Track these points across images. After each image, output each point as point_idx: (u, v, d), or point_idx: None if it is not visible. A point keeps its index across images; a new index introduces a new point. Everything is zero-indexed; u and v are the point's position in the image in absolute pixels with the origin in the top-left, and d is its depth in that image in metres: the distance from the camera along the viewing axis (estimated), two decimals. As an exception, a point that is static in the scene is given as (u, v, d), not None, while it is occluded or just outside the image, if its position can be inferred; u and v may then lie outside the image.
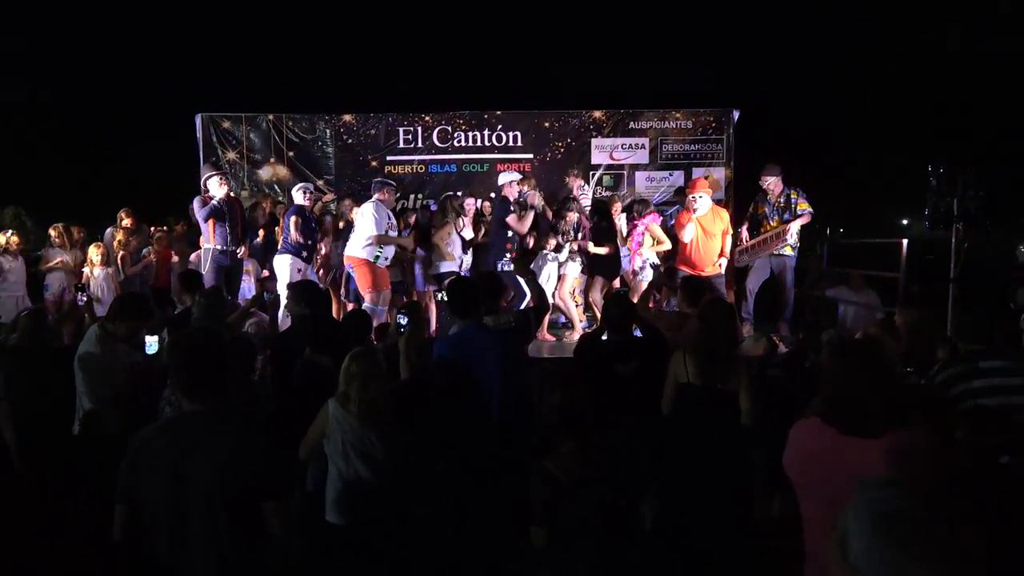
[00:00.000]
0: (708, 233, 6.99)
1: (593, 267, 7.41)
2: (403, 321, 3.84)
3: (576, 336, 6.93)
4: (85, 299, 4.76)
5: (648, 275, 7.31)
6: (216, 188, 6.97)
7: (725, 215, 7.30)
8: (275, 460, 2.19)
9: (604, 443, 2.62)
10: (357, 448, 2.97)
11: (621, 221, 7.83)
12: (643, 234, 7.35)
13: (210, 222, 6.89)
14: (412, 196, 9.50)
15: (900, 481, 1.13)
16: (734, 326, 3.72)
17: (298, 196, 7.31)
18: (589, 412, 2.63)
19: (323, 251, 7.85)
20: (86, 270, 7.47)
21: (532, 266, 7.29)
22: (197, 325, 4.38)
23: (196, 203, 7.03)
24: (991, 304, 3.22)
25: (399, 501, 3.08)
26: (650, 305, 6.04)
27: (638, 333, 4.06)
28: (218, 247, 6.93)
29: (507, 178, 7.62)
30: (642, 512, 2.67)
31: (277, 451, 2.27)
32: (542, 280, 7.07)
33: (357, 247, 6.81)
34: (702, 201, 6.96)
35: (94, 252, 7.45)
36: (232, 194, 7.26)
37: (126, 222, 8.04)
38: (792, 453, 2.17)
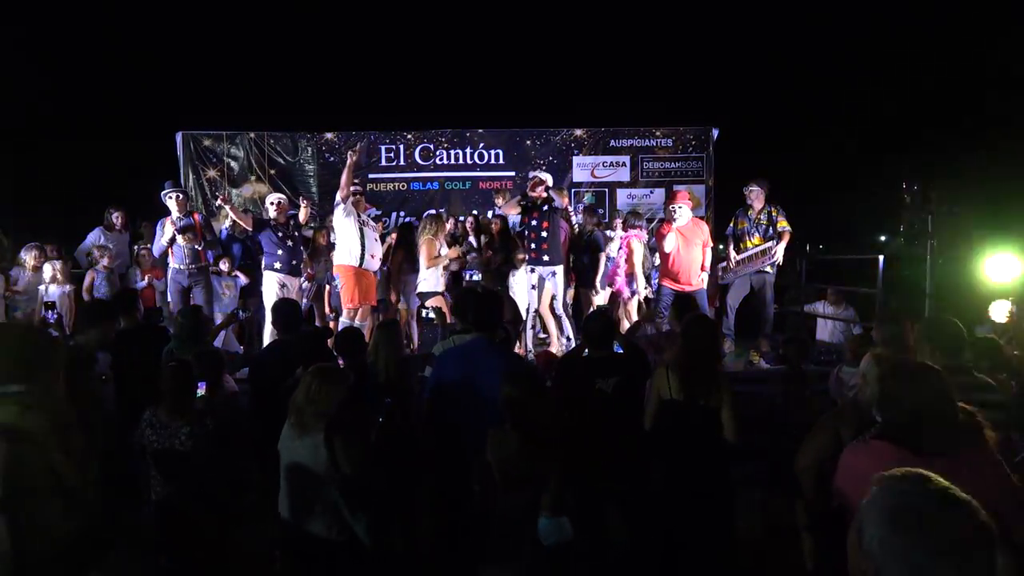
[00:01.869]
0: (689, 243, 6.98)
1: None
2: None
3: (553, 349, 6.89)
4: (56, 317, 4.64)
5: (636, 288, 7.27)
6: (173, 207, 6.89)
7: (705, 228, 7.29)
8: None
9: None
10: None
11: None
12: (628, 247, 7.36)
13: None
14: (394, 213, 9.47)
15: (917, 476, 1.18)
16: (716, 343, 3.71)
17: (270, 210, 7.08)
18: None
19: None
20: (41, 289, 7.27)
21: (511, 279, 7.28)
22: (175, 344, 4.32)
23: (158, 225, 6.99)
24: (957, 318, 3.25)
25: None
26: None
27: (619, 349, 4.05)
28: (175, 265, 6.84)
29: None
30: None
31: None
32: (519, 293, 7.01)
33: (342, 254, 6.70)
34: (682, 211, 6.99)
35: (48, 270, 7.24)
36: (194, 212, 7.16)
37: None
38: (849, 477, 2.05)
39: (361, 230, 6.65)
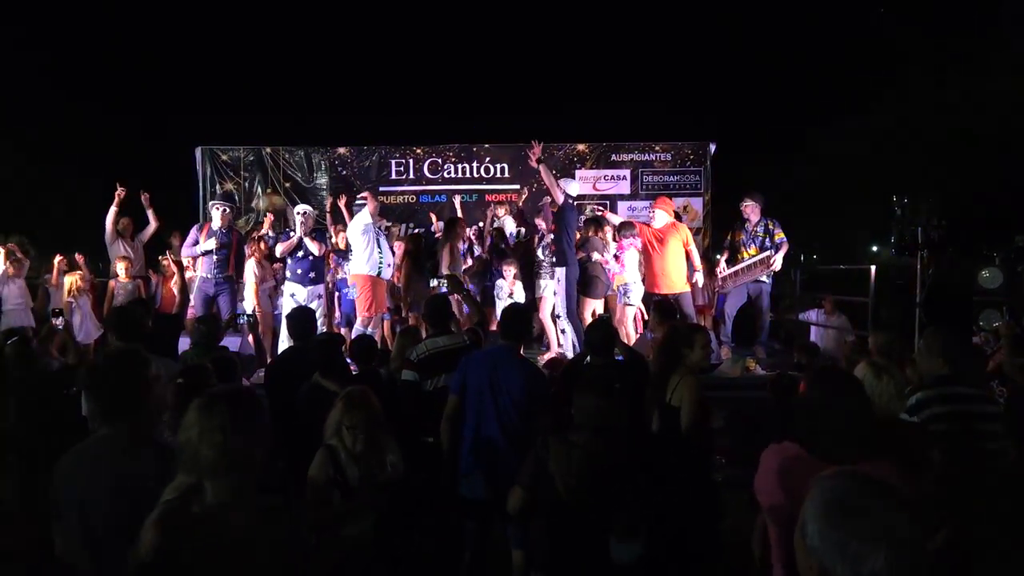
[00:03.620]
0: (664, 246, 6.98)
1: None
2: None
3: (547, 357, 6.88)
4: (62, 324, 4.70)
5: (631, 298, 7.27)
6: (217, 218, 6.95)
7: (684, 229, 7.26)
8: None
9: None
10: None
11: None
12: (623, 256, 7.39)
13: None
14: (403, 225, 9.55)
15: (848, 471, 1.24)
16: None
17: (297, 220, 7.01)
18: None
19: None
20: (64, 296, 7.38)
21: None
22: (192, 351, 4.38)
23: (192, 232, 7.05)
24: (954, 328, 3.27)
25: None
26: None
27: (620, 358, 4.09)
28: (203, 274, 6.90)
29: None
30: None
31: None
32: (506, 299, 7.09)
33: (359, 264, 6.72)
34: (658, 213, 7.05)
35: (69, 280, 7.38)
36: (229, 225, 7.19)
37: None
38: (762, 477, 2.16)
39: (378, 240, 6.72)
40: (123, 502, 1.87)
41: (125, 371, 2.09)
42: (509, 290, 7.25)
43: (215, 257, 6.84)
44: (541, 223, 7.53)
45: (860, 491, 1.17)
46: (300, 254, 6.87)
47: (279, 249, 6.98)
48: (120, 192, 7.82)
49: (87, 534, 1.92)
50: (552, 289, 6.96)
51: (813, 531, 1.17)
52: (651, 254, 7.06)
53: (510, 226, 8.06)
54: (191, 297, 6.74)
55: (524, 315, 3.89)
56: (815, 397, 2.11)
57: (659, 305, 5.04)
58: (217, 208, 7.05)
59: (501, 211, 8.28)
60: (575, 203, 6.90)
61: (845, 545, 1.11)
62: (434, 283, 6.75)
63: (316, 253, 6.94)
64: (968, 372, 3.19)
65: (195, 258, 7.01)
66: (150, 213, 8.15)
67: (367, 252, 6.64)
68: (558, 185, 6.46)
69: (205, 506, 1.59)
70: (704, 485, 3.33)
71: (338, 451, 2.86)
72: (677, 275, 7.02)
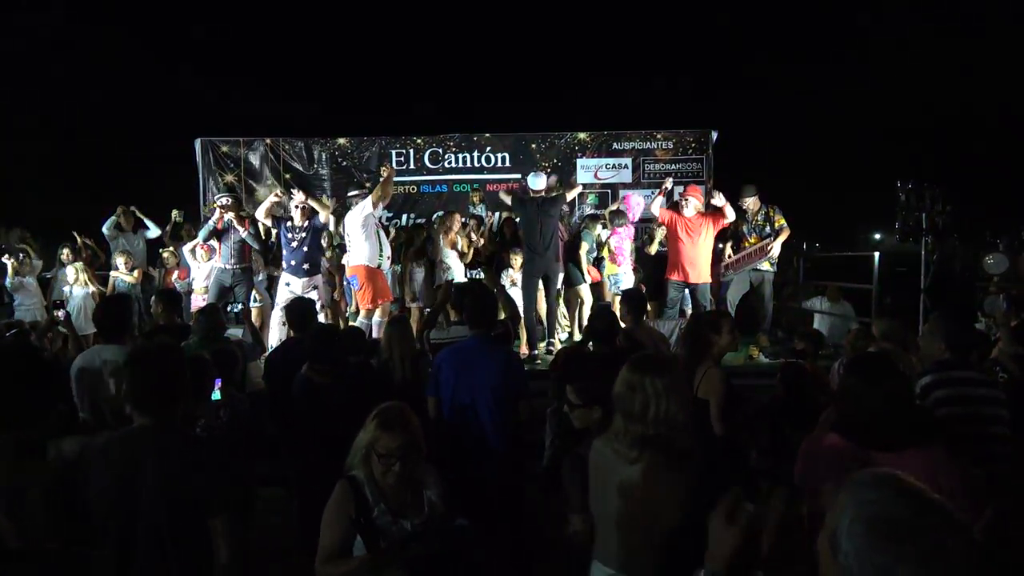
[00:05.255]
0: (694, 237, 6.93)
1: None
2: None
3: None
4: (64, 315, 4.64)
5: (622, 287, 7.17)
6: (219, 210, 6.89)
7: (710, 224, 7.05)
8: (224, 476, 1.99)
9: None
10: None
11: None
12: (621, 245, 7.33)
13: (216, 241, 6.88)
14: (405, 216, 9.49)
15: (890, 481, 1.08)
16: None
17: (294, 212, 6.80)
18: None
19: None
20: (66, 289, 7.42)
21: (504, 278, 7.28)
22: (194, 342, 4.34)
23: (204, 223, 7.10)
24: (959, 313, 3.22)
25: None
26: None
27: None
28: (220, 264, 6.87)
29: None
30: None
31: (228, 467, 2.05)
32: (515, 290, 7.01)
33: (358, 255, 6.60)
34: (692, 202, 6.95)
35: (71, 271, 7.41)
36: (242, 214, 7.03)
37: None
38: (805, 465, 2.09)
39: (378, 232, 6.66)
40: (172, 491, 1.88)
41: (169, 362, 2.07)
42: (511, 279, 7.18)
43: (230, 247, 6.81)
44: None
45: (909, 506, 1.01)
46: (295, 244, 6.67)
47: (201, 234, 7.10)
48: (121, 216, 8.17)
49: (125, 528, 1.90)
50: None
51: (849, 550, 1.02)
52: (680, 243, 7.01)
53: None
54: (207, 287, 6.79)
55: (489, 300, 3.78)
56: (852, 384, 2.03)
57: (628, 295, 4.85)
58: (221, 200, 6.99)
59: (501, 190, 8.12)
60: (538, 196, 6.80)
61: (890, 570, 0.97)
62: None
63: (243, 234, 6.85)
64: (970, 357, 3.16)
65: (210, 248, 7.06)
66: (148, 222, 8.36)
67: (366, 243, 6.58)
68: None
69: None
70: (745, 479, 3.23)
71: (362, 485, 2.20)
72: (705, 266, 7.02)
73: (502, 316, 4.16)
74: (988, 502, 2.04)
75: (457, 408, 3.34)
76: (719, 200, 6.91)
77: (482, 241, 7.76)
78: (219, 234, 6.85)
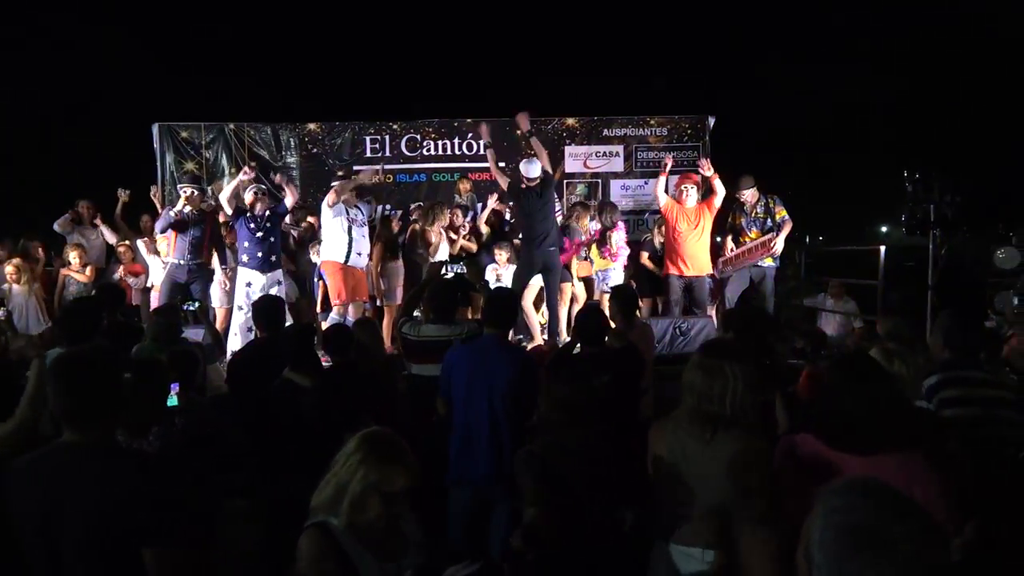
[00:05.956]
0: (695, 225, 6.99)
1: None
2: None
3: (530, 347, 6.84)
4: (6, 314, 4.58)
5: (610, 285, 7.17)
6: (182, 200, 6.71)
7: (708, 214, 7.14)
8: (162, 502, 1.82)
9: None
10: None
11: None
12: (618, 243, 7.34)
13: (172, 234, 6.71)
14: (380, 207, 9.42)
15: (862, 488, 1.10)
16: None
17: (247, 197, 6.80)
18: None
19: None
20: (4, 287, 7.25)
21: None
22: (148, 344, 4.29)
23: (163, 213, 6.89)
24: (962, 313, 3.26)
25: None
26: None
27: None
28: (174, 260, 6.75)
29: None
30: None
31: (170, 490, 1.88)
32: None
33: (328, 250, 6.66)
34: (692, 191, 7.04)
35: (10, 269, 7.20)
36: (203, 207, 6.97)
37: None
38: (780, 464, 2.14)
39: (350, 228, 6.63)
40: (102, 519, 1.77)
41: (104, 370, 1.94)
42: (496, 274, 7.18)
43: (188, 241, 6.66)
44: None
45: (878, 513, 1.03)
46: (260, 235, 6.58)
47: (158, 225, 6.90)
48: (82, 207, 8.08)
49: (51, 557, 1.81)
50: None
51: (821, 561, 1.04)
52: (678, 234, 7.04)
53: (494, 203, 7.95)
54: (157, 285, 6.64)
55: (509, 301, 3.83)
56: (834, 383, 2.07)
57: (617, 292, 4.87)
58: (184, 191, 6.83)
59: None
60: (528, 185, 6.58)
61: None
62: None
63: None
64: (977, 357, 3.20)
65: (167, 236, 6.85)
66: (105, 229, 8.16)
67: (335, 240, 6.58)
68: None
69: None
70: None
71: (335, 532, 1.89)
72: (705, 258, 7.11)
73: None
74: (971, 515, 2.09)
75: (472, 408, 3.36)
76: (707, 169, 7.00)
77: (472, 240, 7.78)
78: (178, 226, 6.72)
